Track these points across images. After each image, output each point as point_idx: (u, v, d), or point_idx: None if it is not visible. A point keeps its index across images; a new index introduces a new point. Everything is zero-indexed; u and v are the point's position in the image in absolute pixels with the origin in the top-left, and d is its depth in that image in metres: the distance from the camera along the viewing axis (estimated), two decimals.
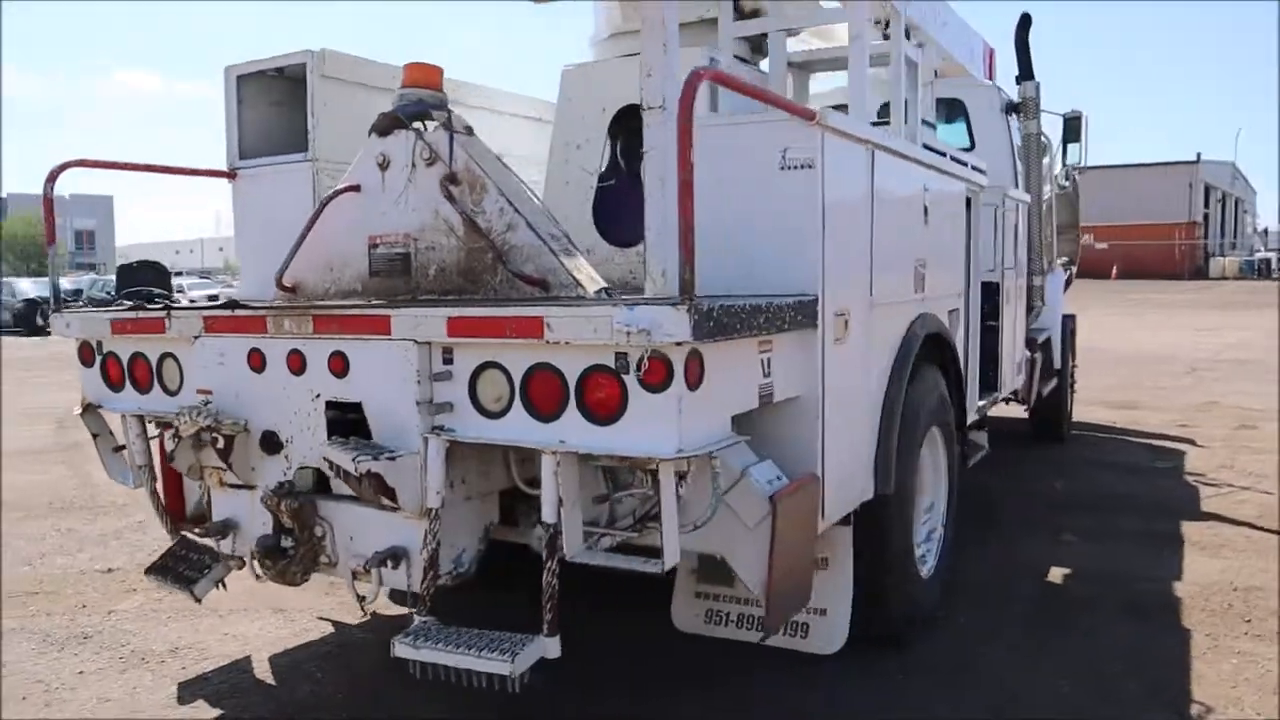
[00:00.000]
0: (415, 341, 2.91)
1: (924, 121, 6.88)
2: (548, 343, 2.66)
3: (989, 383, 6.11)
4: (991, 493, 7.04)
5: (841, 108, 7.61)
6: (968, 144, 7.69)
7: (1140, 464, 8.04)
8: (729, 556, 3.03)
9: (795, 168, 3.21)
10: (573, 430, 2.70)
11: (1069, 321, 9.08)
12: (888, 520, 3.94)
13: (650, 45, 3.35)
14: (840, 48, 4.90)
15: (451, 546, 3.14)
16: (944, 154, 4.60)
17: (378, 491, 2.88)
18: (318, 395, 3.13)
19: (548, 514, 2.80)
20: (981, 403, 5.72)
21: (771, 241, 3.27)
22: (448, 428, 2.93)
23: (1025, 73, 7.53)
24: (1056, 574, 5.33)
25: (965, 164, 5.01)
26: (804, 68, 5.25)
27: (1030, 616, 4.71)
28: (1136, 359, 15.25)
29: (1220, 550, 5.71)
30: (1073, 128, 8.28)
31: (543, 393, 2.74)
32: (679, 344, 2.53)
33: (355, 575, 3.19)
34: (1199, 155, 56.63)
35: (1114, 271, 48.44)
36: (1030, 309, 7.51)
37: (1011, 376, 6.56)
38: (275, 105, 4.64)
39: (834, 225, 3.28)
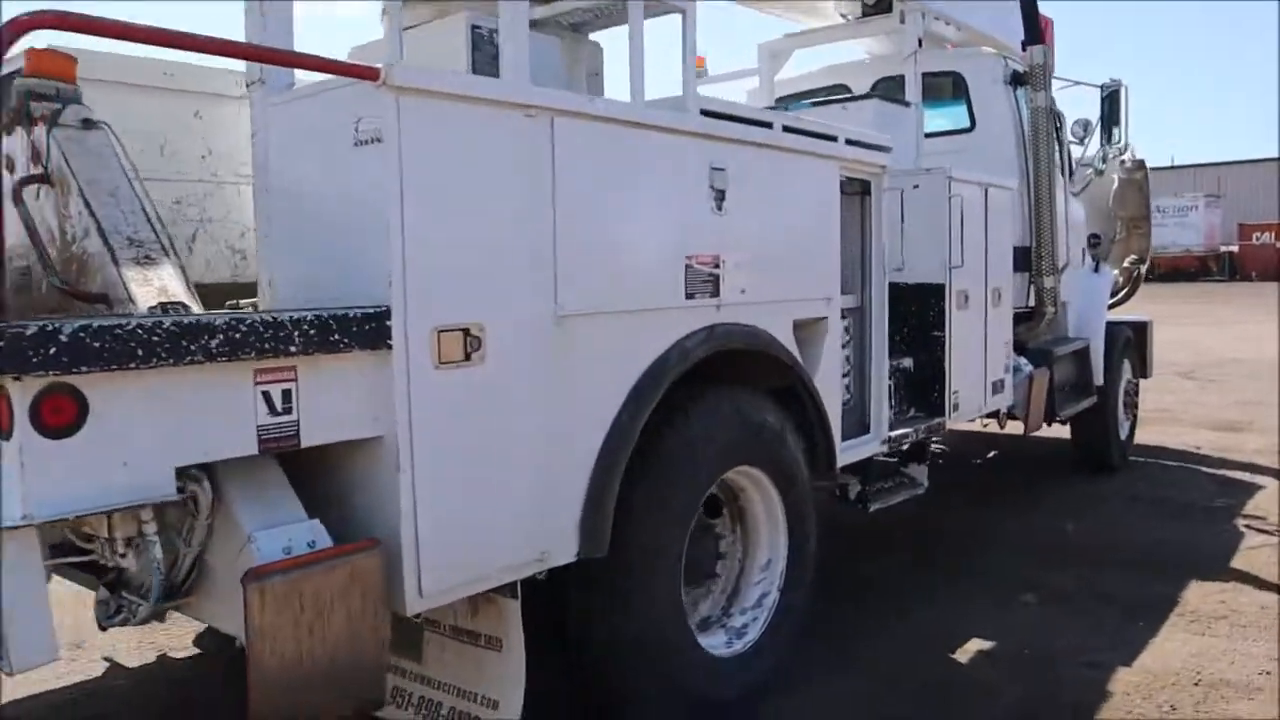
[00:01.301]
0: None
1: (893, 99, 5.90)
2: None
3: (932, 405, 5.05)
4: (976, 536, 5.90)
5: (840, 87, 6.78)
6: (968, 124, 6.58)
7: (1194, 502, 6.61)
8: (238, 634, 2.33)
9: (366, 143, 2.47)
10: None
11: (1122, 331, 7.68)
12: (623, 588, 3.10)
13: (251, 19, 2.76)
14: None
15: None
16: (767, 124, 3.67)
17: None
18: None
19: None
20: (904, 430, 4.68)
21: (346, 239, 2.54)
22: None
23: (1032, 36, 6.32)
24: (971, 648, 4.25)
25: (834, 138, 4.03)
26: (577, 28, 4.33)
27: (882, 706, 3.71)
28: (1274, 371, 13.12)
29: (1214, 625, 4.45)
30: (1111, 103, 6.95)
31: None
32: (18, 378, 1.87)
33: None
34: None
35: None
36: (1035, 315, 6.31)
37: (982, 396, 5.44)
38: None
39: (435, 214, 2.50)
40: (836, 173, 4.06)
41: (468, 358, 2.59)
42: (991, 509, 6.51)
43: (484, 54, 3.74)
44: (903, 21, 6.08)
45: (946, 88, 6.67)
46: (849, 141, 4.11)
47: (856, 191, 4.41)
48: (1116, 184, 8.38)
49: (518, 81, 2.91)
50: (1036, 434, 7.24)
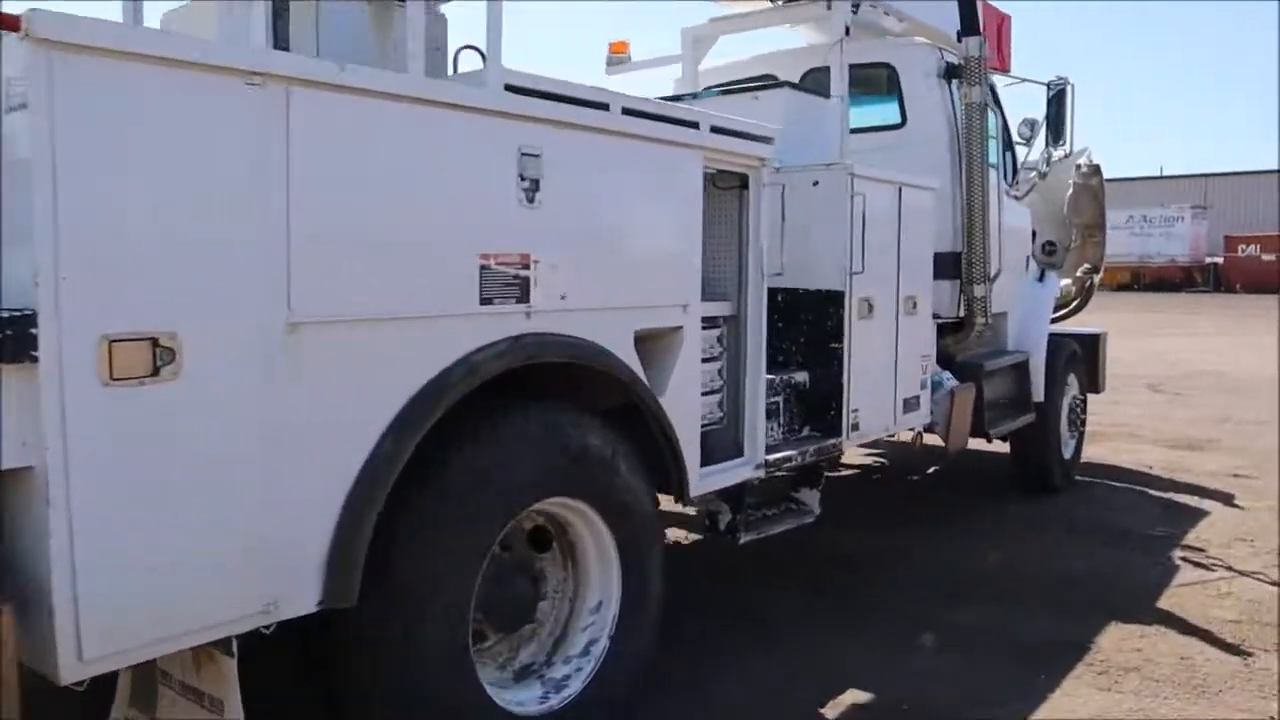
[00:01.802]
0: None
1: (810, 90, 5.45)
2: None
3: (828, 424, 4.60)
4: (885, 563, 5.45)
5: (768, 77, 6.31)
6: (898, 119, 6.14)
7: (1133, 529, 6.17)
8: None
9: (16, 108, 2.03)
10: None
11: (1067, 344, 7.24)
12: (387, 639, 2.66)
13: None
14: None
15: None
16: (602, 105, 3.22)
17: None
18: None
19: None
20: (787, 453, 4.24)
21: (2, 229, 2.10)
22: None
23: (968, 25, 5.88)
24: (844, 701, 3.81)
25: (696, 124, 3.59)
26: None
27: None
28: (1247, 386, 12.67)
29: (1123, 678, 4.00)
30: (1058, 102, 6.50)
31: None
32: None
33: None
34: None
35: None
36: (964, 326, 5.87)
37: (890, 414, 5.00)
38: None
39: (105, 199, 2.06)
40: (700, 164, 3.61)
41: (155, 373, 2.15)
42: (913, 532, 6.07)
43: (284, 21, 3.29)
44: (829, 7, 5.66)
45: (879, 81, 6.23)
46: (716, 130, 3.66)
47: (733, 186, 3.97)
48: (1071, 189, 7.93)
49: (238, 45, 2.47)
50: (988, 448, 6.84)
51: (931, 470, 7.99)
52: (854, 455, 8.07)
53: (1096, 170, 7.76)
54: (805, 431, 4.64)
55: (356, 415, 2.54)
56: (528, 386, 3.16)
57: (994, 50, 7.07)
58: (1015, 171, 6.89)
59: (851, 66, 5.85)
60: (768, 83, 5.31)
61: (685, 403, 3.61)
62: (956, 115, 5.96)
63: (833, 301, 4.57)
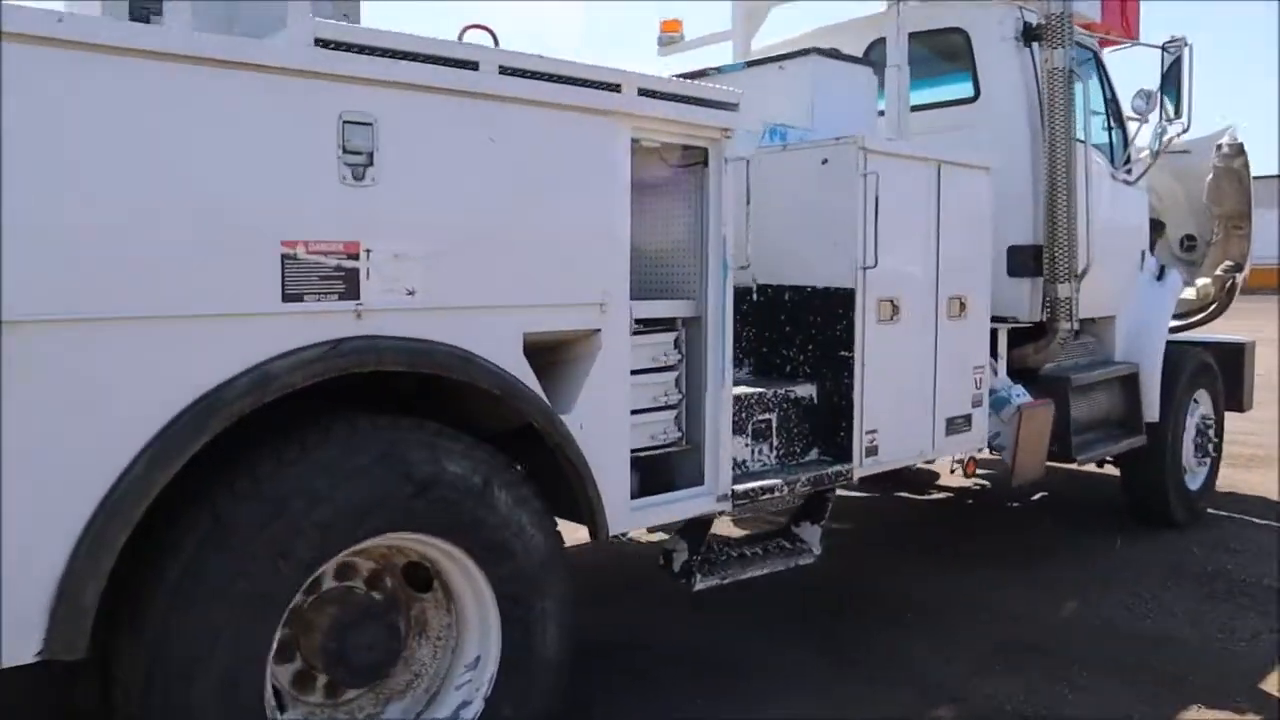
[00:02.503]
0: None
1: (844, 56, 4.70)
2: None
3: (838, 448, 3.89)
4: (926, 609, 4.64)
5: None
6: (971, 93, 5.30)
7: (1253, 582, 5.06)
8: None
9: None
10: None
11: (1192, 355, 6.13)
12: (143, 703, 2.22)
13: None
14: None
15: None
16: (469, 64, 2.66)
17: None
18: None
19: None
20: (767, 483, 3.56)
21: None
22: None
23: None
24: None
25: (617, 87, 2.98)
26: None
27: None
28: None
29: None
30: (1172, 68, 5.46)
31: None
32: None
33: None
34: None
35: None
36: (1046, 332, 4.99)
37: (925, 436, 4.21)
38: None
39: None
40: (627, 135, 3.00)
41: None
42: (983, 572, 5.21)
43: None
44: None
45: (952, 49, 5.40)
46: (648, 94, 3.05)
47: (694, 163, 3.34)
48: (1212, 174, 6.77)
49: None
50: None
51: (1038, 496, 7.00)
52: (953, 476, 7.17)
53: (1240, 151, 6.59)
54: (812, 455, 3.94)
55: (95, 436, 2.10)
56: (413, 404, 2.69)
57: (1117, 12, 6.08)
58: (1126, 151, 5.85)
59: (919, 34, 5.11)
60: (793, 51, 4.60)
61: (607, 421, 3.01)
62: (1039, 85, 5.06)
63: (842, 301, 3.85)
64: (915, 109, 5.20)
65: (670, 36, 6.16)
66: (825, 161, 3.89)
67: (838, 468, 3.83)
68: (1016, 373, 5.22)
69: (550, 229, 2.85)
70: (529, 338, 2.81)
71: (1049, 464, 5.28)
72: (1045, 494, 7.04)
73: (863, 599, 4.76)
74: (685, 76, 4.95)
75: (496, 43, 4.02)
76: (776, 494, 3.58)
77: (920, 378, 4.15)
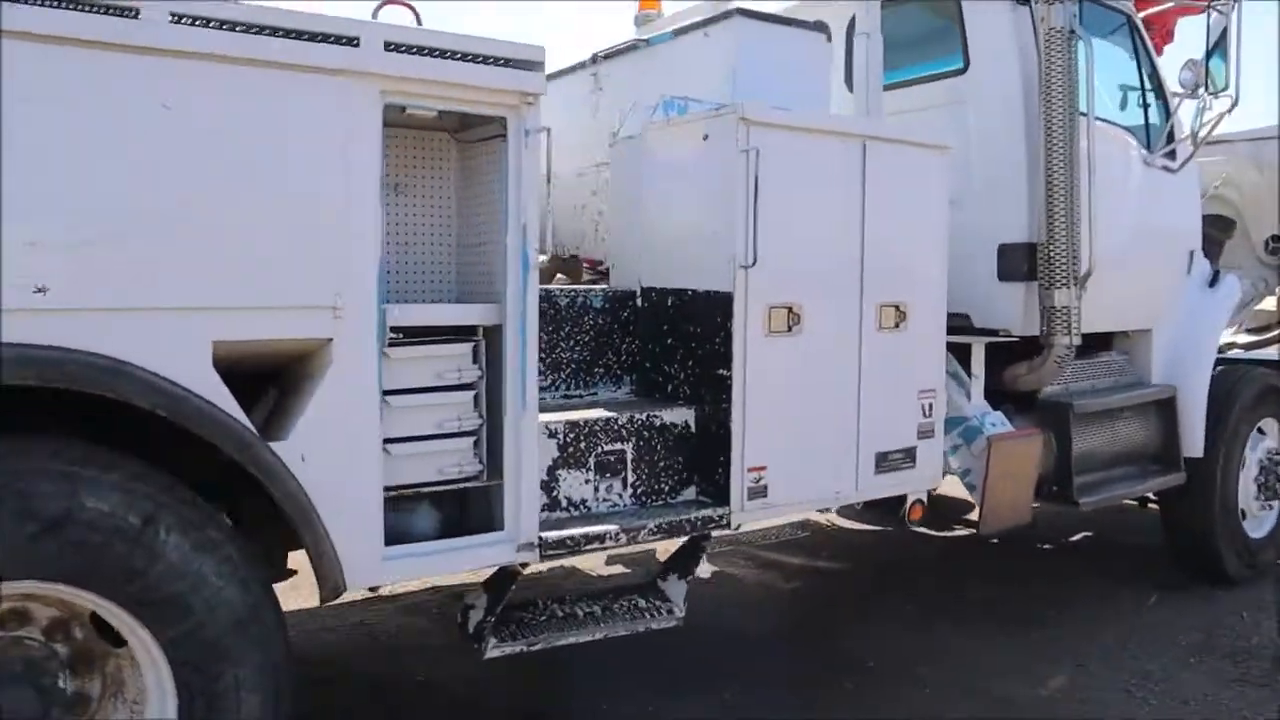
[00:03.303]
0: None
1: (780, 20, 3.99)
2: None
3: (716, 487, 3.23)
4: (890, 683, 3.89)
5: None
6: (960, 63, 4.51)
7: None
8: None
9: None
10: None
11: (1255, 377, 5.12)
12: None
13: None
14: None
15: None
16: (123, 10, 2.14)
17: None
18: None
19: None
20: (598, 529, 2.92)
21: None
22: None
23: None
24: None
25: (354, 41, 2.41)
26: None
27: None
28: None
29: None
30: (1218, 35, 4.50)
31: None
32: None
33: None
34: None
35: None
36: (1042, 347, 4.17)
37: (846, 475, 3.48)
38: None
39: None
40: (373, 98, 2.44)
41: None
42: (973, 634, 4.40)
43: None
44: None
45: (941, 14, 4.61)
46: (399, 48, 2.47)
47: (494, 137, 2.76)
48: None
49: None
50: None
51: (1078, 537, 6.06)
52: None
53: None
54: (687, 495, 3.28)
55: None
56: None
57: None
58: (1167, 132, 4.89)
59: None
60: (720, 14, 3.93)
61: (343, 452, 2.45)
62: (1040, 53, 4.23)
63: (720, 308, 3.18)
64: (899, 85, 4.46)
65: (647, 15, 5.55)
66: (706, 137, 3.23)
67: (709, 512, 3.15)
68: (1011, 397, 4.40)
69: (253, 215, 2.31)
70: (223, 347, 2.28)
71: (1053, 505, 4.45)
72: (1088, 534, 6.09)
73: (815, 659, 4.05)
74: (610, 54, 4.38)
75: (419, 22, 3.55)
76: (609, 543, 2.93)
77: (835, 403, 3.42)
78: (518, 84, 2.66)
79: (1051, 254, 4.13)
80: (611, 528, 2.94)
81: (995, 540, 6.00)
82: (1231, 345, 5.83)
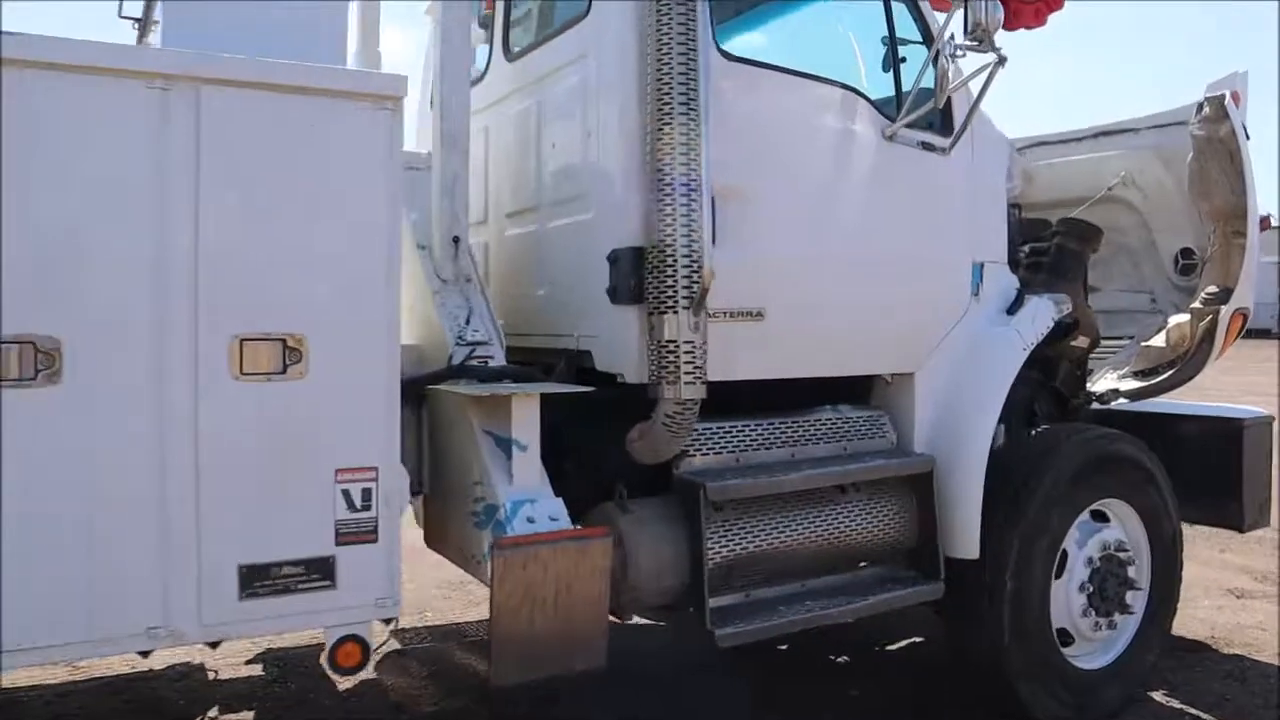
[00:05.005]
0: None
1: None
2: None
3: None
4: None
5: None
6: (583, 9, 3.26)
7: None
8: None
9: None
10: None
11: (1087, 442, 3.65)
12: None
13: None
14: None
15: None
16: None
17: None
18: None
19: None
20: None
21: None
22: None
23: None
24: None
25: None
26: None
27: None
28: None
29: None
30: None
31: None
32: None
33: None
34: None
35: None
36: (656, 403, 2.87)
37: (141, 608, 2.24)
38: None
39: None
40: None
41: None
42: None
43: None
44: None
45: None
46: None
47: None
48: (1192, 151, 4.16)
49: None
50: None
51: (903, 644, 4.53)
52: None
53: (1223, 114, 3.94)
54: None
55: None
56: None
57: None
58: (914, 95, 3.40)
59: None
60: None
61: None
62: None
63: None
64: (535, 46, 3.27)
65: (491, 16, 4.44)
66: None
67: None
68: (649, 476, 3.05)
69: None
70: None
71: None
72: (917, 639, 4.56)
73: None
74: None
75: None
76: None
77: (136, 491, 2.18)
78: None
79: (662, 263, 2.80)
80: None
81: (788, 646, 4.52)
82: (1115, 393, 4.25)
